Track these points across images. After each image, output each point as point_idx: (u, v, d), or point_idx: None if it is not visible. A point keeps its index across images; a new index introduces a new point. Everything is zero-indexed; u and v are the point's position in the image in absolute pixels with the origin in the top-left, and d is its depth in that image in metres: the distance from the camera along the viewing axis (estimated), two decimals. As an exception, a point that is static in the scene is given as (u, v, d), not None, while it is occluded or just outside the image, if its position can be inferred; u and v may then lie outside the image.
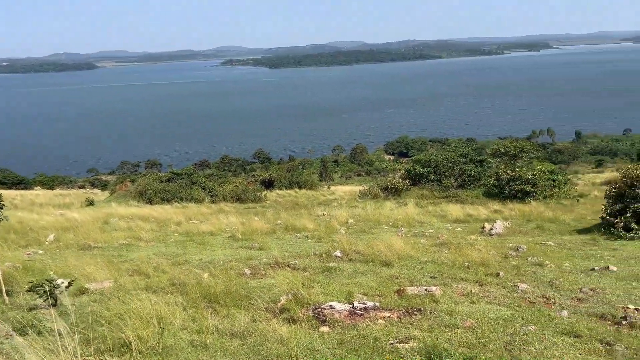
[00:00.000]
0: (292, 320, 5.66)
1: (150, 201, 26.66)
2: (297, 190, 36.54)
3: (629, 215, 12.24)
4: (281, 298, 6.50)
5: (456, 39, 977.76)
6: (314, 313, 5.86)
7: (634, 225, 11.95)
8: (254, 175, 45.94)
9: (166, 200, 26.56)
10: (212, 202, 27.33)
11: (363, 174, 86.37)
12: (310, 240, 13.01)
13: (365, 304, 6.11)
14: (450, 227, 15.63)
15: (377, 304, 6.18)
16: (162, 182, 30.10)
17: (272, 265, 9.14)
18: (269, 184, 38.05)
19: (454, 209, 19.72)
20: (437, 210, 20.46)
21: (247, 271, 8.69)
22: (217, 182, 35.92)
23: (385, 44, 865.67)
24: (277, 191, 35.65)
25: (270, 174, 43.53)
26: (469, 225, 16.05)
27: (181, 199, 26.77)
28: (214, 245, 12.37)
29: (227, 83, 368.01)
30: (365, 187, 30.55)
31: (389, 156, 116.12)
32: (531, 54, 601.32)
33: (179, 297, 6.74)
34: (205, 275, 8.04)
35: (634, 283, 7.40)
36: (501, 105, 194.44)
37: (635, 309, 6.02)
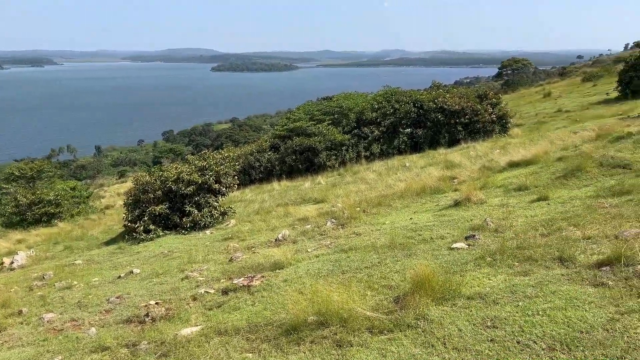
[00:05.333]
0: None
1: None
2: None
3: (146, 218, 13.41)
4: None
5: None
6: None
7: (152, 227, 13.19)
8: None
9: None
10: None
11: None
12: None
13: None
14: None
15: None
16: None
17: None
18: None
19: (-36, 250, 16.55)
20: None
21: None
22: None
23: None
24: None
25: None
26: (-15, 266, 13.79)
27: None
28: None
29: None
30: None
31: None
32: (35, 70, 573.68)
33: None
34: None
35: (154, 279, 8.12)
36: (10, 124, 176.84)
37: (156, 303, 6.58)
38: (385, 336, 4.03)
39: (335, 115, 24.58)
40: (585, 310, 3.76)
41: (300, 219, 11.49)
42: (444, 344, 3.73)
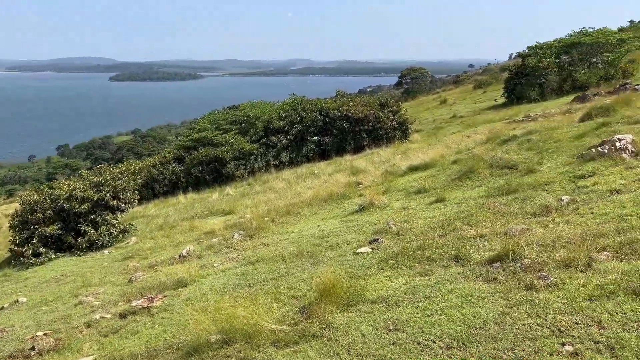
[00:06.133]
0: None
1: None
2: None
3: (36, 240, 12.27)
4: None
5: None
6: None
7: (42, 250, 12.09)
8: None
9: None
10: None
11: None
12: None
13: None
14: None
15: None
16: None
17: None
18: None
19: None
20: None
21: None
22: None
23: None
24: None
25: None
26: None
27: None
28: None
29: None
30: None
31: None
32: None
33: None
34: None
35: (44, 307, 7.40)
36: None
37: (44, 333, 5.98)
38: (291, 349, 3.94)
39: (243, 125, 24.27)
40: (479, 307, 3.93)
41: (206, 233, 11.12)
42: (349, 351, 3.72)
